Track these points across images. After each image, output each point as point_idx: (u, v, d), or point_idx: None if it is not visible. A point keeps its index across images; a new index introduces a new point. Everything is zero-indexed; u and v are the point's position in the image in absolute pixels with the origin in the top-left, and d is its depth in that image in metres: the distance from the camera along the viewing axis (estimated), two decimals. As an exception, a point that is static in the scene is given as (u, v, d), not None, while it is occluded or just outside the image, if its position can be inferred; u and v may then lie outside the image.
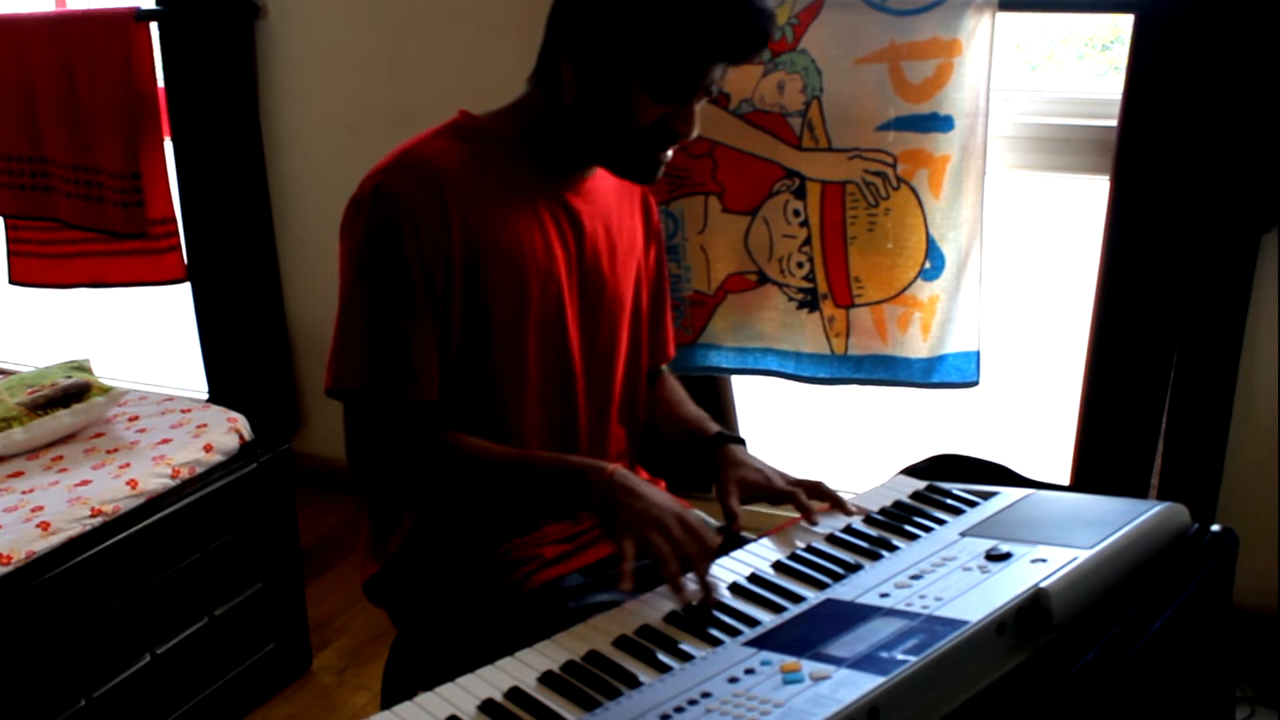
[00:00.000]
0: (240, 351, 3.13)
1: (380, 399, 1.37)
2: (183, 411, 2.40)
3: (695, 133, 1.39)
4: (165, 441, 2.25)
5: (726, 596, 1.24)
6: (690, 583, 1.24)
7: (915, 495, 1.44)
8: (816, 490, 1.45)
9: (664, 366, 1.74)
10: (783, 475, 1.50)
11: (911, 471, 1.55)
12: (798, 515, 1.43)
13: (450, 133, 1.43)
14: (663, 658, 1.12)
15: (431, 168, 1.37)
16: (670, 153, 1.41)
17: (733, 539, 1.42)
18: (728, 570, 1.30)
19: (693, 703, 1.02)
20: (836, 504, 1.43)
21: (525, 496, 1.42)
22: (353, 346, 1.37)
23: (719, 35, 1.31)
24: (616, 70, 1.34)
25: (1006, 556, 1.20)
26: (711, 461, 1.54)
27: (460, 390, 1.42)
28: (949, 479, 1.48)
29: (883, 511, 1.40)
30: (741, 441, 1.56)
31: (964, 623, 1.06)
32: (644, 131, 1.37)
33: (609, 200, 1.53)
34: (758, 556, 1.33)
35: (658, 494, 1.33)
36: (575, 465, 1.38)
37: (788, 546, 1.34)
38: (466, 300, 1.39)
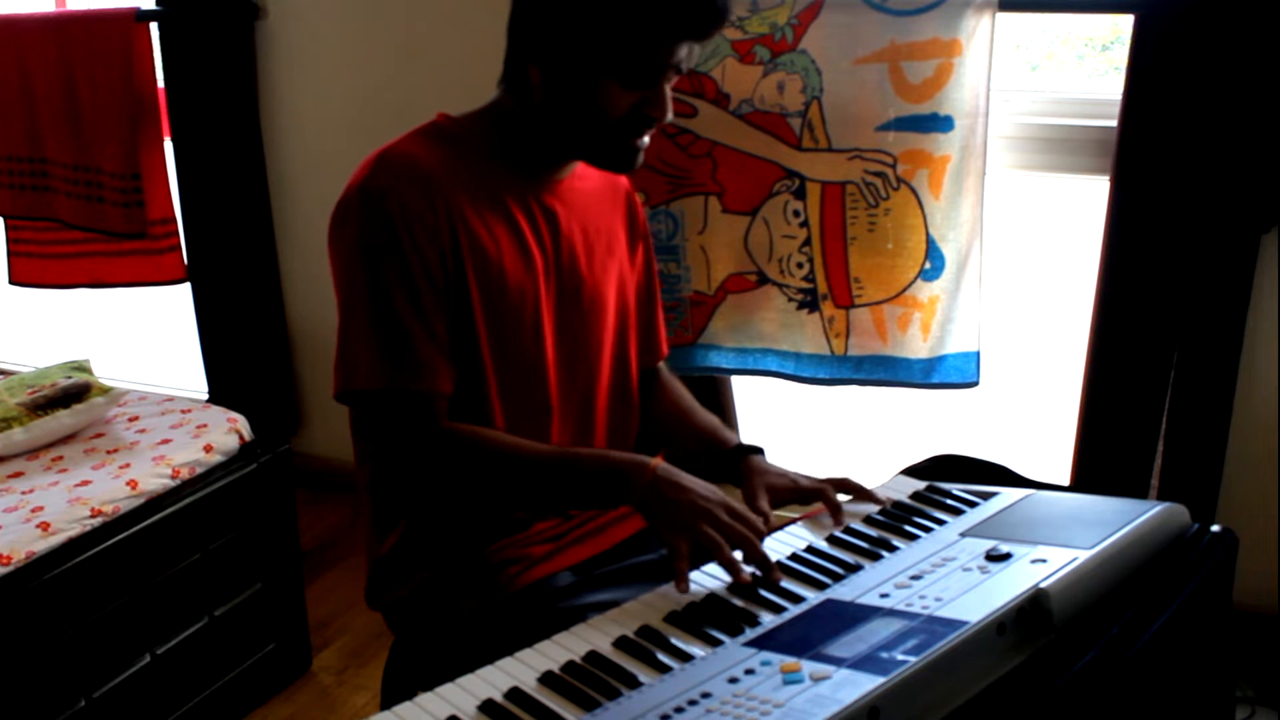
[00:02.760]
0: (240, 351, 3.13)
1: (393, 396, 1.37)
2: (183, 412, 2.40)
3: (669, 115, 1.39)
4: (165, 442, 2.25)
5: (728, 596, 1.24)
6: (745, 566, 1.26)
7: (915, 495, 1.44)
8: (844, 485, 1.46)
9: (662, 367, 1.74)
10: (807, 477, 1.50)
11: (911, 471, 1.55)
12: (798, 516, 1.43)
13: (428, 134, 1.45)
14: (663, 658, 1.12)
15: (415, 163, 1.38)
16: (647, 139, 1.41)
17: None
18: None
19: (693, 703, 1.02)
20: (864, 495, 1.44)
21: (563, 493, 1.43)
22: (359, 347, 1.36)
23: (679, 13, 1.32)
24: (583, 64, 1.35)
25: (1006, 557, 1.20)
26: (734, 471, 1.55)
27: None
28: (949, 479, 1.48)
29: (883, 512, 1.40)
30: (761, 451, 1.57)
31: (964, 623, 1.06)
32: (617, 121, 1.37)
33: (586, 201, 1.53)
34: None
35: (702, 485, 1.34)
36: (618, 462, 1.38)
37: (788, 547, 1.34)
38: (454, 296, 1.39)
